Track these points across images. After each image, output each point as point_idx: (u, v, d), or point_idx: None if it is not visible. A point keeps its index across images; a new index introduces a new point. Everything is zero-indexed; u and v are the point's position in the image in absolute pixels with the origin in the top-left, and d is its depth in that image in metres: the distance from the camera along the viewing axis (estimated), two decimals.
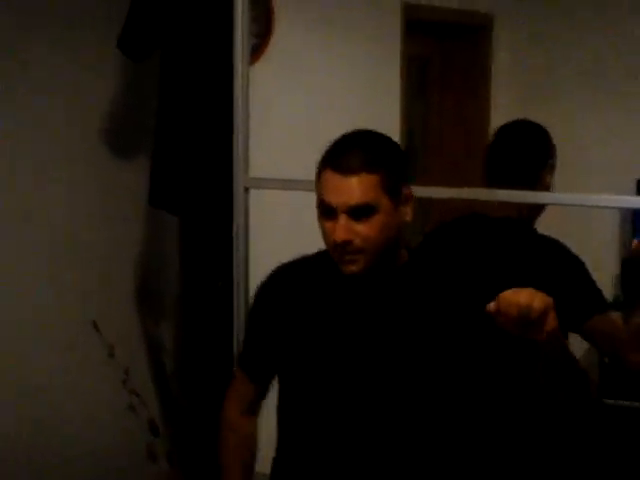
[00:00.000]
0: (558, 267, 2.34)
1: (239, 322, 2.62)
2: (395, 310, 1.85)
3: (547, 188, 2.47)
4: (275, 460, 2.00)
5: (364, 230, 1.75)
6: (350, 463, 1.84)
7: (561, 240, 2.42)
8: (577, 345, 2.49)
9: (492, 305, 1.63)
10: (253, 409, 2.09)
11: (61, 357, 2.92)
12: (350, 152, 1.76)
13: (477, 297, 1.80)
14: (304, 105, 3.56)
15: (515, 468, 2.32)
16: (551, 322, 1.62)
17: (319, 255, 1.94)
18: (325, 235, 1.79)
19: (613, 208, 4.17)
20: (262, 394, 2.07)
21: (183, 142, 2.94)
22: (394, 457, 1.84)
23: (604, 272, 4.92)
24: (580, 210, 4.39)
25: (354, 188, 1.73)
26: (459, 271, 1.94)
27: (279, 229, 3.17)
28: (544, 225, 2.50)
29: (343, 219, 1.74)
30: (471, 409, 1.91)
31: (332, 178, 1.75)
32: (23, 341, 2.80)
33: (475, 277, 1.93)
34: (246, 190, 2.58)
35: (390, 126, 4.08)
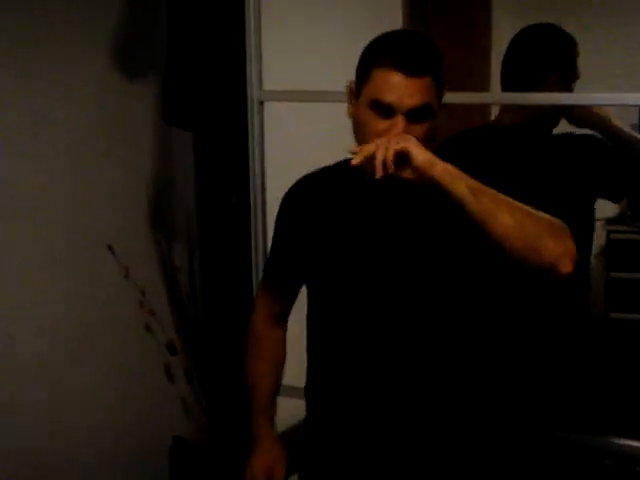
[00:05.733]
0: (582, 156, 2.34)
1: (256, 237, 2.62)
2: (414, 216, 1.84)
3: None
4: (308, 369, 2.02)
5: (420, 132, 1.72)
6: (380, 364, 1.86)
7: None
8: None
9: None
10: (281, 319, 2.11)
11: (77, 282, 2.90)
12: (414, 53, 1.72)
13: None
14: (314, 24, 3.53)
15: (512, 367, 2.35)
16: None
17: (339, 165, 1.94)
18: (371, 135, 1.74)
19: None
20: (289, 303, 2.08)
21: (195, 57, 2.89)
22: (421, 361, 1.86)
23: None
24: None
25: (418, 90, 1.70)
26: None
27: (294, 143, 3.15)
28: None
29: (402, 120, 1.70)
30: (481, 311, 1.93)
31: (394, 77, 1.70)
32: (39, 268, 2.77)
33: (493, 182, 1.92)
34: (261, 103, 2.56)
35: None
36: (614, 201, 2.44)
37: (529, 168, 2.32)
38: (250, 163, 2.59)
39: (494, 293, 1.93)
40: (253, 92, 2.55)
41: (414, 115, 1.71)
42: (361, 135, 1.78)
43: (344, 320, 1.90)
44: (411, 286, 1.83)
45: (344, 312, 1.90)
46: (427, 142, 1.73)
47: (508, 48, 2.49)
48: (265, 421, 2.10)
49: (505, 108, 2.50)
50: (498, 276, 1.90)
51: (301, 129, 3.14)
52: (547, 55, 2.42)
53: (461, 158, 2.45)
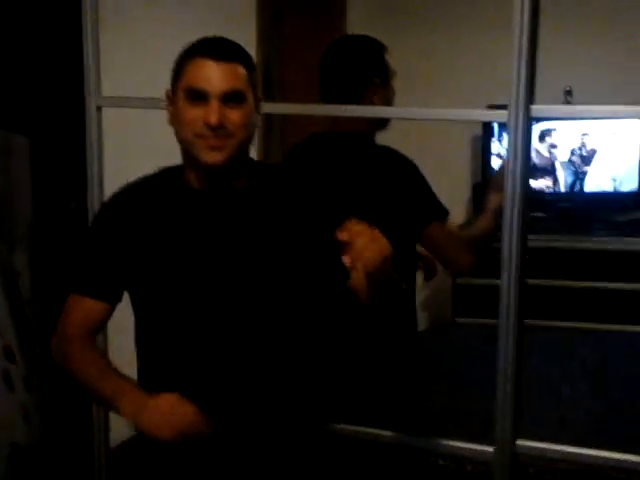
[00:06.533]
0: (394, 176, 2.43)
1: None
2: (240, 222, 1.92)
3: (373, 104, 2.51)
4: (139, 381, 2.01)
5: (235, 116, 1.81)
6: (210, 368, 1.91)
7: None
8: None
9: (342, 234, 1.67)
10: (94, 333, 2.04)
11: None
12: (224, 44, 1.85)
13: (316, 211, 1.90)
14: (155, 29, 3.52)
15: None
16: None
17: (162, 173, 1.99)
18: (189, 124, 1.82)
19: (459, 121, 4.31)
20: (106, 315, 2.03)
21: (31, 60, 2.86)
22: (251, 360, 1.92)
23: (458, 197, 5.12)
24: (434, 139, 4.54)
25: (229, 74, 1.80)
26: (300, 186, 2.01)
27: (133, 149, 3.15)
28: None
29: (216, 104, 1.79)
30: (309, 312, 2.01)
31: (206, 64, 1.80)
32: None
33: (314, 192, 2.01)
34: (99, 109, 2.55)
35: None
36: (404, 238, 2.39)
37: (354, 175, 2.40)
38: (88, 169, 2.58)
39: (311, 301, 1.98)
40: (91, 98, 2.54)
41: (227, 99, 1.80)
42: (180, 128, 1.85)
43: (172, 329, 1.93)
44: (231, 292, 1.90)
45: (171, 321, 1.93)
46: (242, 128, 1.83)
47: (323, 59, 2.57)
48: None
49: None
50: (316, 286, 1.95)
51: (141, 135, 3.14)
52: (365, 61, 2.51)
53: (297, 163, 2.55)
